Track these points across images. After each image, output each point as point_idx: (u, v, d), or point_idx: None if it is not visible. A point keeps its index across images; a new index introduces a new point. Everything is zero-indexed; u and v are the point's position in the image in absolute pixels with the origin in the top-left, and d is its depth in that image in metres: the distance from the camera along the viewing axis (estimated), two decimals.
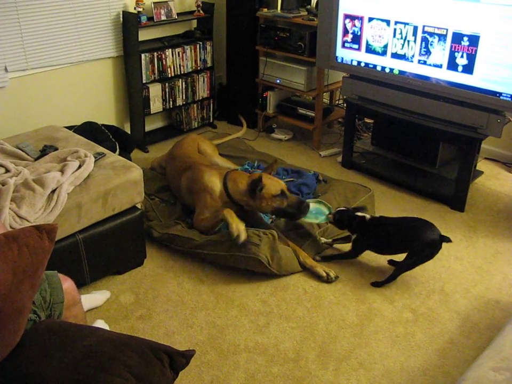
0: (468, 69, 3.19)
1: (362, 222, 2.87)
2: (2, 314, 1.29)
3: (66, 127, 3.40)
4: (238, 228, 2.78)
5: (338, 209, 2.97)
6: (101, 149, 2.96)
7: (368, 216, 2.90)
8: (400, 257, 2.83)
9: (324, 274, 2.87)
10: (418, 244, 2.70)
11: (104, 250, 2.73)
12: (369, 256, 3.03)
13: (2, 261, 1.28)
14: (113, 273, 2.88)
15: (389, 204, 3.63)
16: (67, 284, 1.84)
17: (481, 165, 4.05)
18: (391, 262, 2.96)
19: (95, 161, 2.75)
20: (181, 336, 2.49)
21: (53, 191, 2.49)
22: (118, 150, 3.75)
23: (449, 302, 2.73)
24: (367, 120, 4.69)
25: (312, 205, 3.11)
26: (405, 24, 3.38)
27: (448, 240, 2.72)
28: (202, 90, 4.63)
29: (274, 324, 2.57)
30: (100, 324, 2.44)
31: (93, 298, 2.63)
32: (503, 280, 2.91)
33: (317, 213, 3.08)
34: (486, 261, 3.06)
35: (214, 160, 3.62)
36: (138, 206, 2.88)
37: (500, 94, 3.12)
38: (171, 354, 1.31)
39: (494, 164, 4.19)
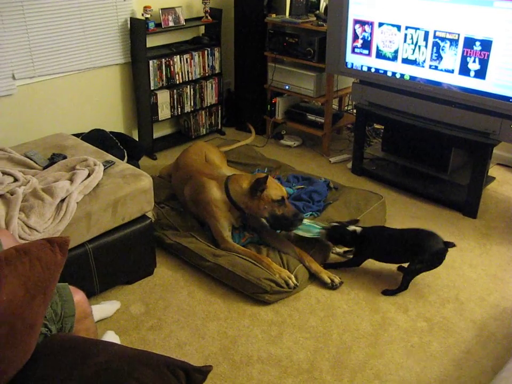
0: (480, 74, 3.15)
1: (354, 236, 2.84)
2: (14, 331, 1.26)
3: (74, 135, 3.38)
4: (282, 276, 2.75)
5: (332, 224, 2.93)
6: (110, 157, 2.93)
7: (358, 229, 2.86)
8: None
9: (329, 280, 2.83)
10: (425, 255, 2.69)
11: (114, 260, 2.70)
12: (381, 264, 2.98)
13: (14, 276, 1.25)
14: (123, 283, 2.84)
15: (400, 210, 3.58)
16: (78, 296, 1.80)
17: (493, 170, 3.99)
18: (400, 267, 2.93)
19: (104, 169, 2.72)
20: (192, 347, 2.45)
21: (62, 200, 2.46)
22: (126, 157, 3.73)
23: (464, 311, 2.68)
24: (377, 126, 4.65)
25: (307, 220, 3.05)
26: (416, 29, 3.34)
27: (452, 245, 2.70)
28: (211, 97, 4.60)
29: (287, 334, 2.53)
30: (110, 335, 2.41)
31: (102, 309, 2.60)
32: None
33: (310, 226, 3.01)
34: (500, 268, 3.01)
35: (221, 172, 3.56)
36: (148, 214, 2.85)
37: None
38: (187, 371, 1.27)
39: (506, 170, 4.13)
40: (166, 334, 2.54)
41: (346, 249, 3.08)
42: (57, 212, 2.42)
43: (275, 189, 2.95)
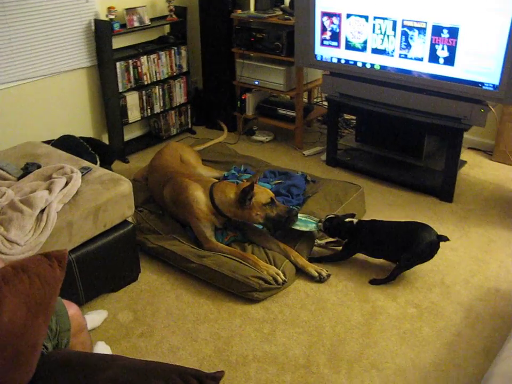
0: (449, 60, 3.21)
1: (351, 227, 2.87)
2: (18, 353, 1.20)
3: (42, 142, 3.28)
4: (270, 272, 2.73)
5: (328, 216, 2.95)
6: (86, 163, 2.86)
7: (355, 220, 2.90)
8: None
9: (316, 274, 2.84)
10: (418, 246, 2.70)
11: (98, 268, 2.64)
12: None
13: (14, 295, 1.19)
14: (108, 291, 2.78)
15: (378, 199, 3.62)
16: (72, 309, 1.75)
17: (464, 155, 4.07)
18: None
19: (81, 176, 2.65)
20: (186, 352, 2.41)
21: (42, 211, 2.38)
22: (98, 162, 3.64)
23: (450, 294, 2.73)
24: (347, 117, 4.68)
25: (300, 215, 3.05)
26: (384, 19, 3.37)
27: (446, 239, 2.72)
28: (179, 96, 4.54)
29: (280, 331, 2.52)
30: (101, 346, 2.35)
31: (90, 319, 2.51)
32: (500, 267, 2.92)
33: (306, 221, 3.03)
34: (480, 250, 3.08)
35: (198, 171, 3.54)
36: (129, 219, 2.79)
37: (482, 84, 3.15)
38: (200, 378, 1.24)
39: (476, 153, 4.23)
40: (157, 340, 2.49)
41: (329, 240, 3.09)
42: (38, 223, 2.34)
43: (262, 193, 2.92)
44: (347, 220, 2.89)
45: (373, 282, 2.82)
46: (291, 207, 3.06)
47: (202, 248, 2.96)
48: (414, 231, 2.74)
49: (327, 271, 2.86)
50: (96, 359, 1.38)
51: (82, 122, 4.14)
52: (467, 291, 2.75)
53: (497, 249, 3.08)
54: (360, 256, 2.98)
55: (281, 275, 2.75)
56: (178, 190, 3.08)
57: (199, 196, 3.00)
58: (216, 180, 3.23)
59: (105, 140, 4.31)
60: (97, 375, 1.28)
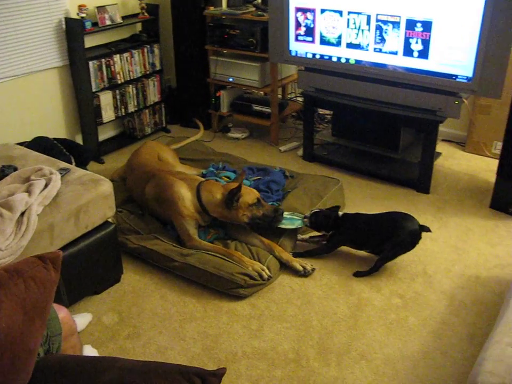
0: (423, 54, 3.25)
1: (336, 220, 2.90)
2: (15, 359, 1.16)
3: (16, 144, 3.20)
4: (255, 268, 2.73)
5: (313, 211, 2.97)
6: (64, 164, 2.80)
7: (340, 213, 2.94)
8: None
9: (301, 268, 2.85)
10: (400, 235, 2.73)
11: (81, 270, 2.59)
12: (349, 247, 3.05)
13: (10, 299, 1.16)
14: (91, 293, 2.73)
15: (357, 192, 3.65)
16: (63, 313, 1.71)
17: (438, 146, 4.13)
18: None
19: (61, 177, 2.60)
20: (174, 351, 2.39)
21: (22, 214, 2.32)
22: (73, 164, 3.57)
23: (433, 283, 2.77)
24: (321, 112, 4.71)
25: (285, 213, 3.06)
26: (358, 13, 3.40)
27: (427, 229, 2.76)
28: (153, 95, 4.50)
29: (268, 326, 2.52)
30: (88, 349, 2.31)
31: None
32: (478, 255, 2.99)
33: (292, 219, 3.05)
34: (459, 239, 3.14)
35: (177, 170, 3.51)
36: (110, 220, 2.75)
37: (456, 76, 3.20)
38: (203, 376, 1.23)
39: (449, 145, 4.31)
40: (144, 340, 2.46)
41: (312, 234, 3.10)
42: (18, 227, 2.28)
43: (248, 194, 2.93)
44: (333, 212, 2.91)
45: (357, 274, 2.84)
46: (277, 206, 3.06)
47: (184, 247, 2.94)
48: (396, 221, 2.78)
49: (311, 265, 2.87)
50: (93, 362, 1.35)
51: (55, 123, 4.05)
52: (449, 280, 2.80)
53: (475, 237, 3.14)
54: (344, 249, 3.00)
55: (267, 270, 2.76)
56: (162, 187, 3.05)
57: (184, 194, 2.98)
58: (202, 179, 3.21)
59: (79, 140, 4.23)
60: (98, 378, 1.25)
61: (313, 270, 2.86)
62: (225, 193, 2.91)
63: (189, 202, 2.96)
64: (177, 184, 3.02)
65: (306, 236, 3.13)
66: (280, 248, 2.92)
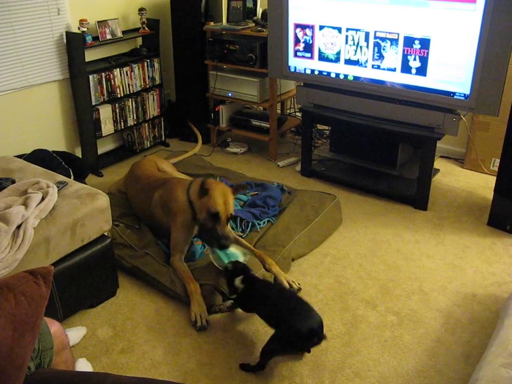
0: (421, 71, 3.27)
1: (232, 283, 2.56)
2: (5, 376, 1.16)
3: (15, 157, 3.22)
4: (195, 311, 2.63)
5: (228, 266, 2.65)
6: (61, 178, 2.81)
7: (239, 279, 2.54)
8: None
9: (287, 285, 2.81)
10: (285, 333, 2.25)
11: (76, 283, 2.58)
12: (343, 262, 3.04)
13: (0, 315, 1.16)
14: (86, 307, 2.72)
15: (354, 209, 3.66)
16: (55, 327, 1.70)
17: (436, 163, 4.14)
18: None
19: (58, 191, 2.60)
20: (169, 367, 2.38)
21: (18, 227, 2.33)
22: (72, 177, 3.58)
23: (429, 301, 2.76)
24: (320, 127, 4.73)
25: (233, 249, 2.85)
26: (357, 30, 3.43)
27: (323, 337, 2.27)
28: (153, 109, 4.52)
29: (262, 342, 2.48)
30: (82, 363, 2.30)
31: (68, 336, 2.47)
32: (475, 273, 2.98)
33: (229, 255, 2.80)
34: (456, 256, 3.13)
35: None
36: (107, 234, 2.75)
37: (454, 93, 3.22)
38: None
39: (448, 161, 4.32)
40: (138, 355, 2.45)
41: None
42: (14, 240, 2.28)
43: (216, 202, 2.76)
44: (237, 277, 2.54)
45: (244, 367, 2.36)
46: (229, 237, 2.82)
47: (170, 256, 2.93)
48: (289, 312, 2.27)
49: (298, 283, 2.85)
50: (83, 378, 1.35)
51: (55, 136, 4.07)
52: (445, 297, 2.79)
53: (471, 255, 3.14)
54: (338, 267, 2.99)
55: (204, 320, 2.60)
56: (171, 197, 3.04)
57: (182, 197, 2.98)
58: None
59: (78, 153, 4.25)
60: None
61: (299, 290, 2.83)
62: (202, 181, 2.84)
63: (186, 206, 2.95)
64: (179, 190, 3.02)
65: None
66: (271, 260, 2.90)
